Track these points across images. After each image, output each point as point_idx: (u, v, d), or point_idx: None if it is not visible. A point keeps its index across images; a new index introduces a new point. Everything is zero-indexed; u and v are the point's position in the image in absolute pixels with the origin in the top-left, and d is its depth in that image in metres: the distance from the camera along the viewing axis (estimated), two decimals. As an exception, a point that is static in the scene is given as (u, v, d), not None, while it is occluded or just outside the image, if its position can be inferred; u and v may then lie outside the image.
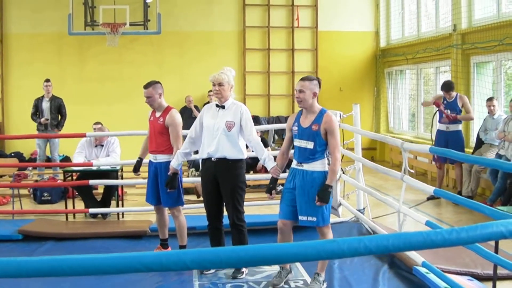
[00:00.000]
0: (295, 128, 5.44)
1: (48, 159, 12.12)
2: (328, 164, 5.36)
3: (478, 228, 2.17)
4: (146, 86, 6.28)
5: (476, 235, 2.15)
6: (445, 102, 9.82)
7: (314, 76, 5.66)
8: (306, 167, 5.34)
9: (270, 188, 5.65)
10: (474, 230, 2.16)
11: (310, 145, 5.31)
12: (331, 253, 1.97)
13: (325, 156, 5.36)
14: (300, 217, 5.36)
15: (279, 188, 7.36)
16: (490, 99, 9.60)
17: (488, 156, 9.18)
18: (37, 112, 11.78)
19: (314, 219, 5.31)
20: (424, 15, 13.64)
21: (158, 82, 6.36)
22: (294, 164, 5.48)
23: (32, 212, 8.95)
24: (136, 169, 6.79)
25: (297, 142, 5.42)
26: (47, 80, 11.81)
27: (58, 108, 11.81)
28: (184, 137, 6.25)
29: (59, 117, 11.86)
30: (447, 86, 9.79)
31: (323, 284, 5.46)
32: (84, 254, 2.12)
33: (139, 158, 6.76)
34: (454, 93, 9.81)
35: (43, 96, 11.80)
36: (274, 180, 5.65)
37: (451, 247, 5.97)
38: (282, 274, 5.66)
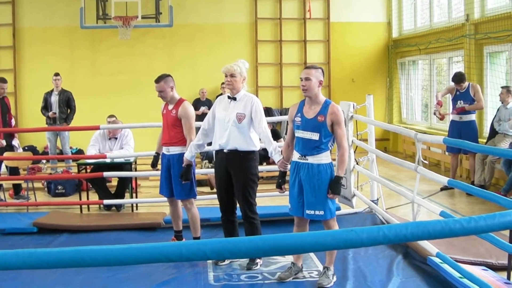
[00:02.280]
0: (298, 119, 5.30)
1: (60, 153, 12.14)
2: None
3: (496, 217, 2.16)
4: (157, 80, 6.27)
5: (494, 223, 2.15)
6: (457, 93, 9.79)
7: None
8: (311, 160, 5.23)
9: (280, 182, 5.62)
10: (492, 219, 2.15)
11: (315, 136, 5.20)
12: (350, 242, 1.96)
13: (329, 148, 5.28)
14: (308, 211, 5.28)
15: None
16: (502, 87, 9.54)
17: (502, 146, 9.13)
18: (46, 106, 11.78)
19: (321, 212, 5.25)
20: (437, 5, 13.55)
21: (169, 76, 6.34)
22: (296, 157, 5.35)
23: (46, 204, 9.02)
24: (154, 164, 6.78)
25: (300, 133, 5.28)
26: (56, 74, 11.78)
27: (67, 102, 11.75)
28: (197, 128, 6.27)
29: (68, 110, 11.82)
30: (458, 78, 9.76)
31: (333, 278, 5.41)
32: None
33: (156, 153, 6.73)
34: (465, 84, 9.76)
35: (52, 90, 11.79)
36: (282, 174, 5.61)
37: (465, 238, 5.93)
38: (292, 269, 5.58)
